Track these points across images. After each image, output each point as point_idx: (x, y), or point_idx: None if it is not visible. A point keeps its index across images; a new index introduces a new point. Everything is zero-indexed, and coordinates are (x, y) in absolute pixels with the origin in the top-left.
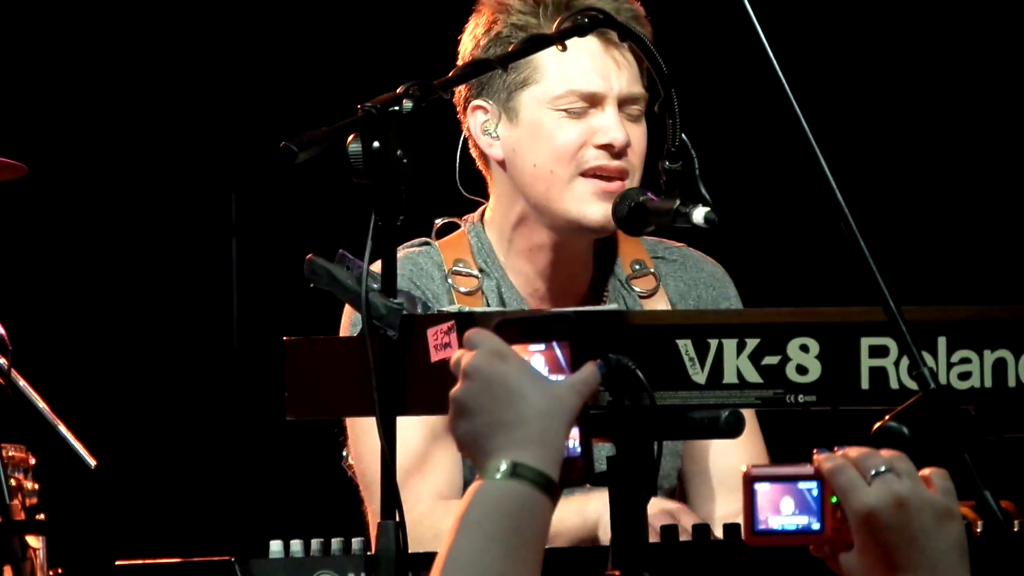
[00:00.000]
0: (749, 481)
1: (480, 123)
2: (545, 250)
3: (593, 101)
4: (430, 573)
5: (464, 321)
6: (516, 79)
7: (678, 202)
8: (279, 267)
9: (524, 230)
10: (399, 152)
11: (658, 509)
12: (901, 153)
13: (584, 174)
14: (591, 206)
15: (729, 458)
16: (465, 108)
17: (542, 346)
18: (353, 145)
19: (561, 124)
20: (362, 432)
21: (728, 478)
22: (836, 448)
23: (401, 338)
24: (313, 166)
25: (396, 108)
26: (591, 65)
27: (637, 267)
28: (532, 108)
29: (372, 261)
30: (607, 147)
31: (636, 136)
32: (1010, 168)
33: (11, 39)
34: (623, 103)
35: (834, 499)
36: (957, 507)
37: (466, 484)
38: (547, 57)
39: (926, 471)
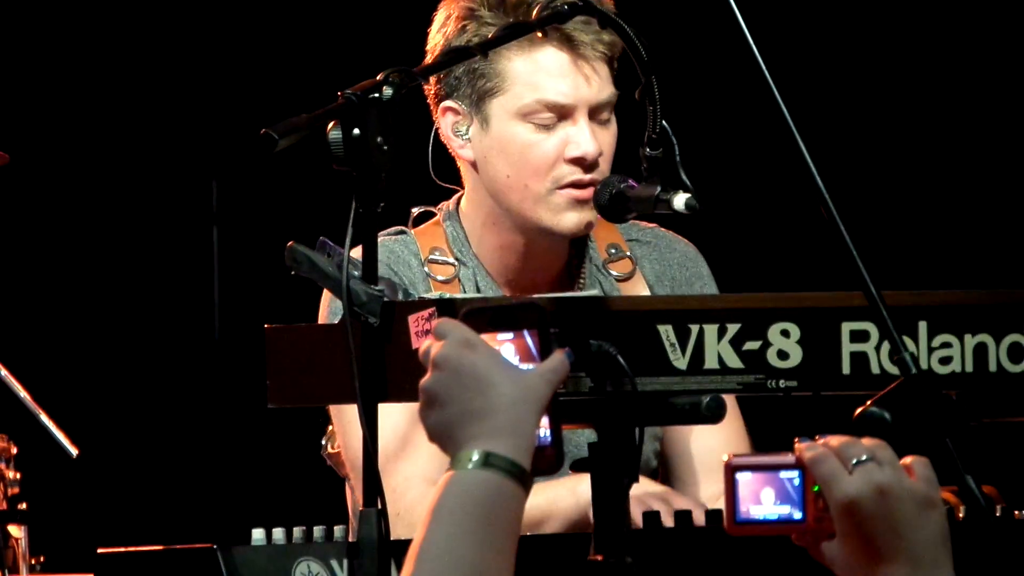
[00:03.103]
0: (730, 470)
1: (451, 124)
2: (517, 246)
3: (562, 113)
4: (403, 563)
5: (445, 308)
6: (484, 86)
7: (659, 189)
8: (261, 255)
9: (496, 228)
10: (379, 139)
11: (647, 492)
12: (881, 139)
13: (558, 188)
14: (566, 215)
15: (710, 440)
16: (437, 105)
17: (511, 335)
18: (333, 132)
19: (532, 139)
20: (348, 421)
21: (709, 459)
22: (818, 437)
23: (382, 325)
24: (294, 153)
25: (376, 95)
26: (559, 75)
27: (613, 251)
28: (502, 118)
29: (352, 248)
30: (579, 160)
31: (606, 142)
32: (987, 156)
33: None
34: (593, 112)
35: (816, 488)
36: (939, 496)
37: None
38: (515, 67)
39: (908, 460)
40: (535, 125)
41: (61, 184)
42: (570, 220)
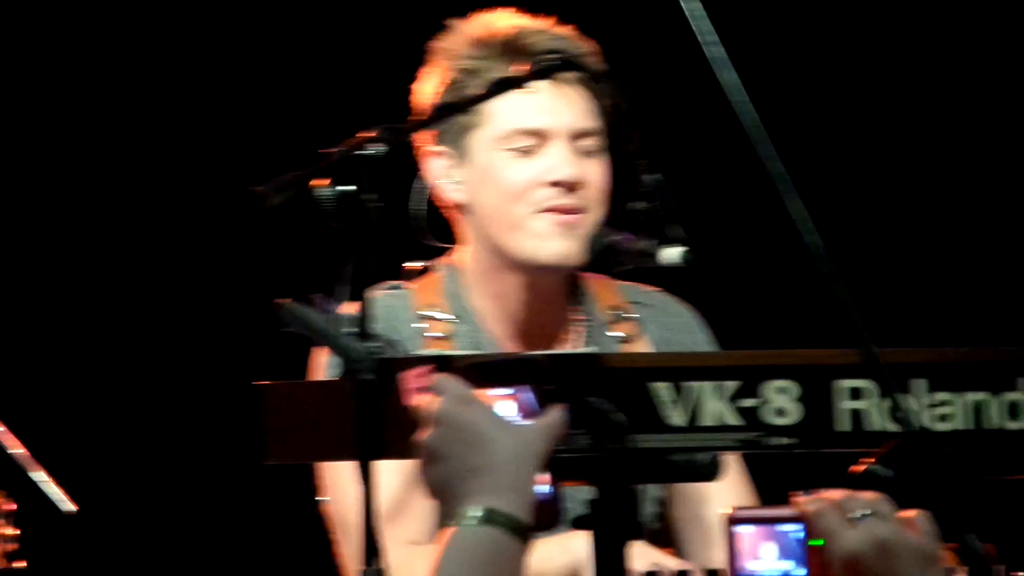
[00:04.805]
0: (731, 523)
1: (438, 168)
2: (514, 291)
3: (542, 138)
4: None
5: (440, 364)
6: (465, 122)
7: (649, 242)
8: (254, 312)
9: (491, 272)
10: (369, 195)
11: (648, 561)
12: (880, 193)
13: (539, 212)
14: (547, 242)
15: (720, 504)
16: (424, 155)
17: (509, 390)
18: (323, 189)
19: (510, 164)
20: (336, 476)
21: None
22: (818, 491)
23: (378, 381)
24: (289, 209)
25: (365, 151)
26: (537, 103)
27: (616, 313)
28: (482, 150)
29: (347, 304)
30: (558, 184)
31: (592, 171)
32: (987, 212)
33: None
34: (575, 138)
35: (817, 542)
36: (940, 550)
37: None
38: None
39: (909, 513)
40: (514, 151)
41: (48, 242)
42: (552, 247)
